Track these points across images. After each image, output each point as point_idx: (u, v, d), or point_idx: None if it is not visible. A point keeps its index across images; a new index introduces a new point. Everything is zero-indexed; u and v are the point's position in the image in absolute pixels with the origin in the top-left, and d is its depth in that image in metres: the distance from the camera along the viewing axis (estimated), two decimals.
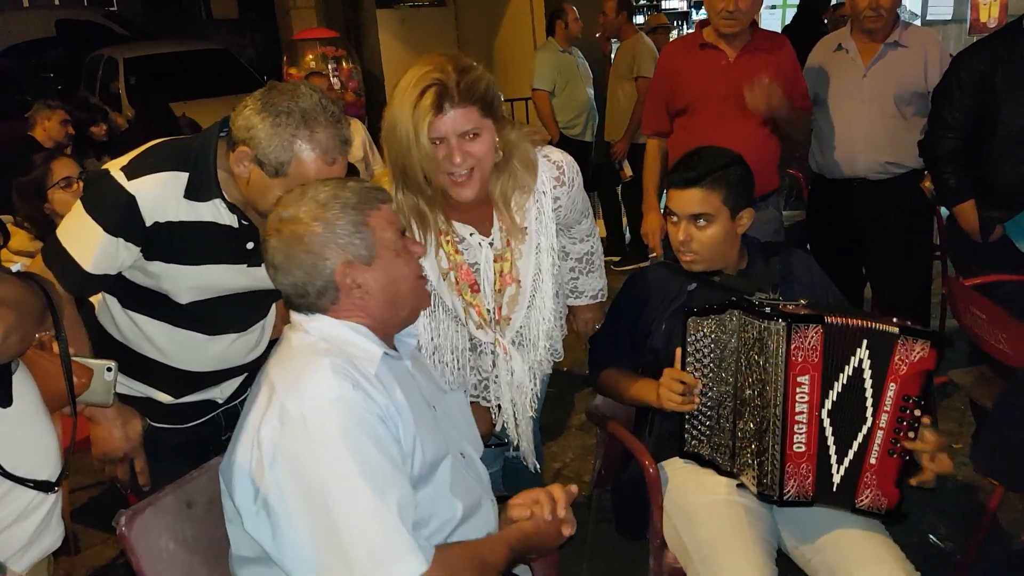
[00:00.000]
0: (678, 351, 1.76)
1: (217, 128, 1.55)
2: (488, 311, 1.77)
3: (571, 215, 1.87)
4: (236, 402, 1.82)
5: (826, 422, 1.63)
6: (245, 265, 1.63)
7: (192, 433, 1.78)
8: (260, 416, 1.23)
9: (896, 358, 1.59)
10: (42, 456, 1.16)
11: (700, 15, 10.05)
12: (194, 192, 1.51)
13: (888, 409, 1.60)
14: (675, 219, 1.89)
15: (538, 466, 2.16)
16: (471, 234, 1.73)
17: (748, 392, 1.69)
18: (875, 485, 1.63)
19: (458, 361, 1.81)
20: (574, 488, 1.43)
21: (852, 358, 1.62)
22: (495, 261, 1.75)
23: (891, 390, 1.60)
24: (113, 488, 2.09)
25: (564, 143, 5.07)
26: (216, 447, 1.74)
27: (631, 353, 1.98)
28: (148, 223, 1.49)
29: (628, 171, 5.31)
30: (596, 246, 2.06)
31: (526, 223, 1.74)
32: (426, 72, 1.52)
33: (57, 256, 1.50)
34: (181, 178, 1.50)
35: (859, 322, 1.62)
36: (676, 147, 2.85)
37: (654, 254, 3.06)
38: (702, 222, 1.84)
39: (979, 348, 2.51)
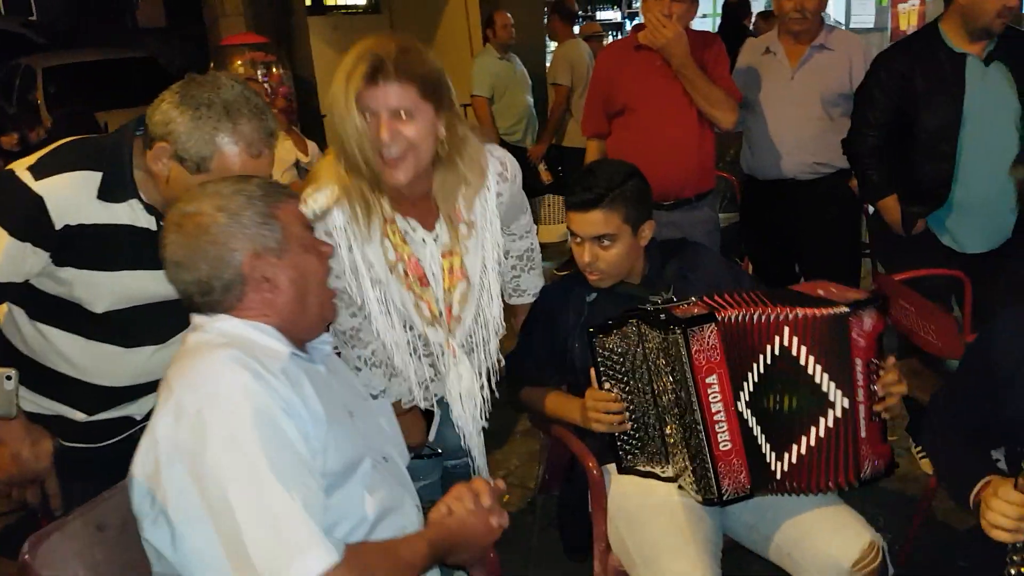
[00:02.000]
0: (592, 371, 1.75)
1: (133, 125, 1.47)
2: (438, 308, 1.71)
3: (511, 211, 1.87)
4: None
5: (746, 414, 1.63)
6: (163, 270, 1.55)
7: (109, 452, 1.66)
8: (159, 416, 1.15)
9: (854, 334, 1.58)
10: None
11: (636, 22, 10.23)
12: (108, 192, 1.43)
13: (862, 384, 1.60)
14: (578, 240, 1.87)
15: (484, 474, 2.12)
16: (414, 230, 1.67)
17: (665, 399, 1.68)
18: (870, 452, 1.62)
19: (405, 362, 1.74)
20: (501, 483, 1.37)
21: (768, 346, 1.61)
22: (444, 257, 1.69)
23: (859, 366, 1.59)
24: (29, 514, 1.97)
25: (505, 149, 5.06)
26: None
27: (550, 369, 1.97)
28: (58, 226, 1.40)
29: (547, 174, 5.37)
30: (535, 243, 2.07)
31: (473, 217, 1.70)
32: (367, 46, 1.47)
33: None
34: (94, 178, 1.42)
35: (771, 310, 1.60)
36: (615, 148, 2.86)
37: None
38: (606, 242, 1.83)
39: (908, 341, 2.57)
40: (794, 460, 1.63)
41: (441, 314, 1.71)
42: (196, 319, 1.26)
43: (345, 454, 1.25)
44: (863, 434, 1.61)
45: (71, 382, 1.59)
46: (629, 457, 1.78)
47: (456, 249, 1.70)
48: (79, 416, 1.63)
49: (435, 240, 1.68)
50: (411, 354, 1.73)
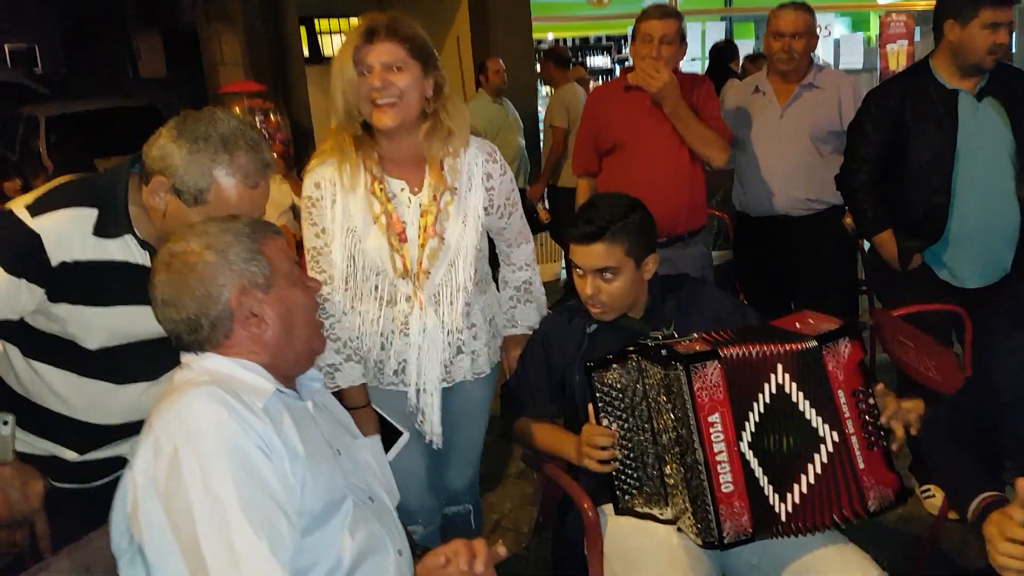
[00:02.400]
0: (590, 406, 1.72)
1: (128, 163, 1.48)
2: (412, 263, 1.81)
3: (502, 206, 1.92)
4: None
5: (748, 454, 1.58)
6: (153, 310, 1.54)
7: (100, 492, 1.61)
8: (137, 454, 1.14)
9: (829, 367, 1.57)
10: None
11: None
12: (103, 228, 1.44)
13: (849, 415, 1.57)
14: (581, 272, 1.85)
15: (476, 517, 2.14)
16: (402, 189, 1.81)
17: (666, 437, 1.64)
18: (875, 483, 1.58)
19: (373, 317, 1.84)
20: (502, 550, 1.31)
21: (766, 385, 1.58)
22: (421, 216, 1.81)
23: (842, 397, 1.57)
24: (16, 556, 1.92)
25: None
26: None
27: (547, 401, 1.94)
28: (54, 263, 1.40)
29: (545, 213, 5.44)
30: (535, 278, 2.10)
31: (456, 184, 1.83)
32: (364, 17, 1.72)
33: None
34: (90, 215, 1.43)
35: (768, 348, 1.58)
36: (606, 186, 2.88)
37: None
38: (608, 275, 1.81)
39: (908, 378, 2.54)
40: (797, 500, 1.59)
41: (412, 269, 1.81)
42: (184, 357, 1.26)
43: (326, 493, 1.22)
44: (861, 465, 1.57)
45: (64, 421, 1.57)
46: (626, 497, 1.73)
47: (432, 209, 1.81)
48: (71, 456, 1.60)
49: (418, 201, 1.81)
50: (375, 299, 1.82)
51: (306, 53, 7.83)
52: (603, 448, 1.68)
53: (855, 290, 3.33)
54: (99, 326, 1.49)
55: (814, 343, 1.56)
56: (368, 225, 1.78)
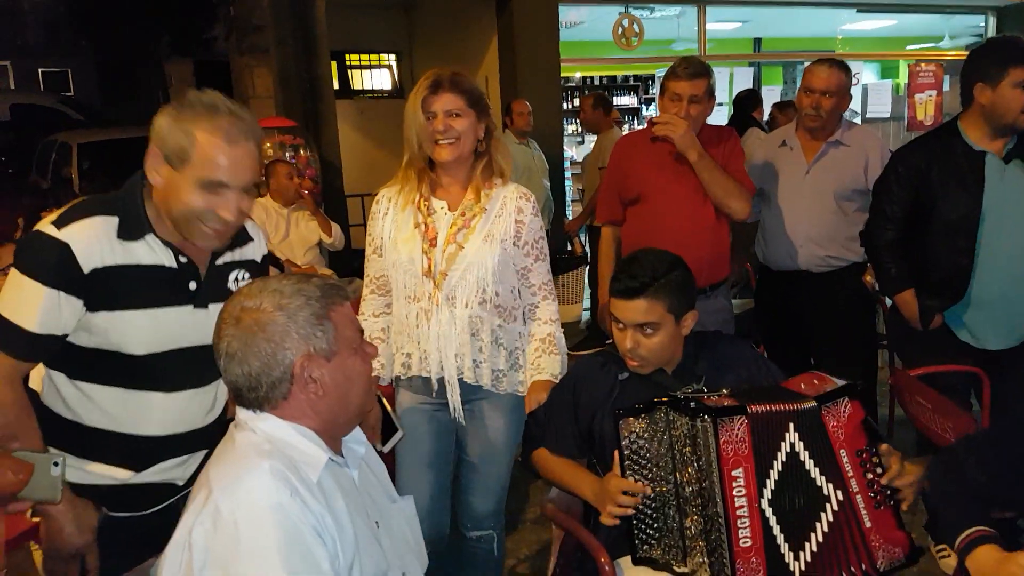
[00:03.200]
0: (616, 454, 1.75)
1: (141, 174, 1.55)
2: (436, 265, 2.08)
3: (529, 244, 2.15)
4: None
5: (768, 512, 1.61)
6: (191, 307, 1.60)
7: (148, 523, 1.67)
8: (195, 516, 1.17)
9: (830, 427, 1.61)
10: None
11: (649, 110, 10.48)
12: (126, 231, 1.51)
13: (852, 474, 1.60)
14: (621, 326, 1.89)
15: (498, 544, 2.25)
16: (442, 207, 2.12)
17: (688, 489, 1.67)
18: (883, 542, 1.60)
19: (403, 313, 2.13)
20: None
21: (783, 444, 1.62)
22: (449, 227, 2.10)
23: (844, 457, 1.60)
24: None
25: None
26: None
27: (569, 442, 1.98)
28: (86, 270, 1.47)
29: (579, 247, 5.52)
30: (558, 333, 2.21)
31: (487, 206, 2.10)
32: (432, 70, 2.06)
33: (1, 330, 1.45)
34: (112, 221, 1.50)
35: (780, 406, 1.63)
36: (629, 235, 2.93)
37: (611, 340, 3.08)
38: (648, 330, 1.85)
39: (926, 437, 2.54)
40: (808, 559, 1.61)
41: (434, 270, 2.08)
42: (241, 414, 1.29)
43: (370, 571, 1.26)
44: (868, 524, 1.60)
45: (115, 438, 1.61)
46: (645, 547, 1.75)
47: (458, 222, 2.09)
48: (125, 475, 1.63)
49: (452, 216, 2.10)
50: (404, 297, 2.12)
51: (336, 86, 8.00)
52: (625, 498, 1.71)
53: (874, 346, 3.33)
54: (139, 329, 1.55)
55: (813, 403, 1.61)
56: (409, 232, 2.10)
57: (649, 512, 1.73)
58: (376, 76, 9.18)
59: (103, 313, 1.50)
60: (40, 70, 17.56)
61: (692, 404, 1.63)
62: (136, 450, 1.63)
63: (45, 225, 1.48)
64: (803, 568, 1.61)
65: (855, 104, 8.90)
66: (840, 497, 1.60)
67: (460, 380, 2.12)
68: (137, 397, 1.59)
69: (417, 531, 1.53)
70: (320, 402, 1.27)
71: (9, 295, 1.48)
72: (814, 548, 1.61)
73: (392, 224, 2.13)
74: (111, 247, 1.49)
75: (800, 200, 3.06)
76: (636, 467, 1.73)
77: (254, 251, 1.78)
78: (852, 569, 1.59)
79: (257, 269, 1.77)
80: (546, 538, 3.03)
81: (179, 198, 1.48)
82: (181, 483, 1.72)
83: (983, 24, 8.68)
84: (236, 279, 1.71)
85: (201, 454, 1.72)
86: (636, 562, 1.76)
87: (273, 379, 1.24)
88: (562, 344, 2.21)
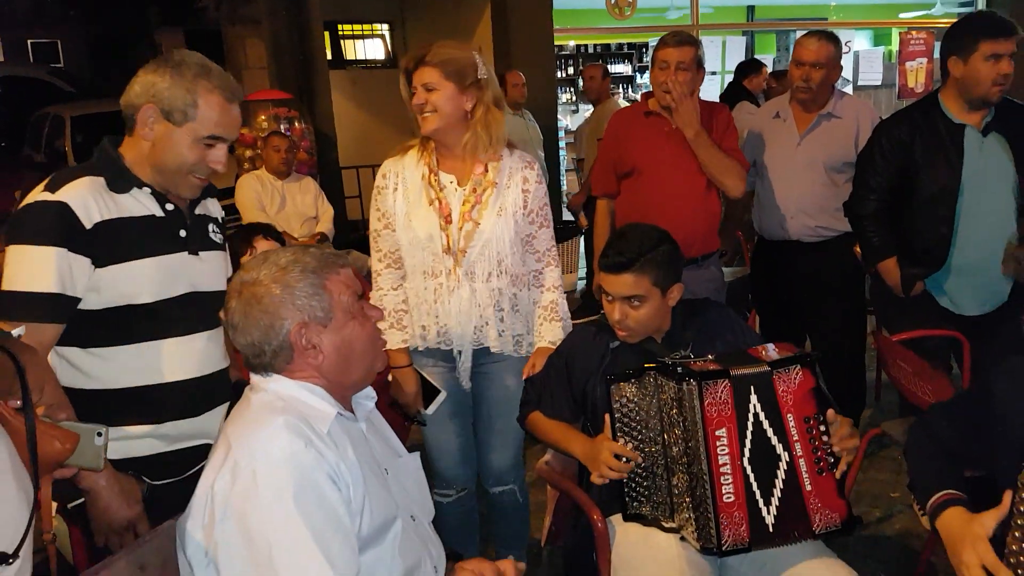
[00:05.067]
0: (607, 417, 1.84)
1: (108, 139, 1.65)
2: (454, 241, 2.15)
3: (535, 211, 2.22)
4: None
5: (748, 469, 1.70)
6: (186, 253, 1.69)
7: (188, 488, 1.73)
8: (215, 471, 1.26)
9: (779, 390, 1.70)
10: (2, 525, 1.14)
11: (644, 78, 10.46)
12: (114, 184, 1.60)
13: (797, 438, 1.70)
14: (610, 298, 1.98)
15: (521, 492, 2.45)
16: (451, 182, 2.18)
17: (675, 449, 1.76)
18: (821, 507, 1.70)
19: (420, 287, 2.20)
20: (522, 565, 1.46)
21: (751, 406, 1.72)
22: (463, 203, 2.16)
23: (791, 421, 1.70)
24: (59, 558, 2.03)
25: None
26: None
27: (562, 407, 2.07)
28: (88, 226, 1.54)
29: (584, 220, 5.56)
30: (560, 300, 2.30)
31: (496, 180, 2.17)
32: (416, 47, 2.14)
33: (15, 306, 1.51)
34: (99, 180, 1.60)
35: (747, 369, 1.71)
36: (624, 207, 2.99)
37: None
38: (635, 302, 1.93)
39: (907, 400, 2.64)
40: (775, 512, 1.71)
41: (453, 247, 2.14)
42: (253, 378, 1.38)
43: (380, 514, 1.34)
44: (808, 487, 1.70)
45: (142, 392, 1.67)
46: (635, 504, 1.85)
47: (471, 199, 2.15)
48: (163, 430, 1.70)
49: (463, 192, 2.16)
50: (422, 272, 2.18)
51: (328, 57, 7.96)
52: (616, 462, 1.80)
53: (863, 314, 3.40)
54: (145, 278, 1.63)
55: (766, 368, 1.70)
56: (424, 208, 2.15)
57: (638, 471, 1.82)
58: (369, 46, 9.14)
59: (111, 267, 1.58)
60: (29, 41, 17.32)
61: (679, 369, 1.72)
62: (164, 399, 1.70)
63: (37, 194, 1.54)
64: (773, 522, 1.71)
65: (847, 72, 8.89)
66: (787, 459, 1.70)
67: (484, 349, 2.22)
68: (153, 347, 1.67)
69: (423, 485, 1.61)
70: (322, 364, 1.35)
71: (17, 270, 1.53)
72: (777, 504, 1.71)
73: (403, 200, 2.18)
74: (104, 202, 1.57)
75: (791, 171, 3.11)
76: (627, 429, 1.82)
77: (216, 209, 1.88)
78: (797, 529, 1.69)
79: (220, 226, 1.87)
80: (541, 500, 3.11)
81: (175, 151, 1.59)
82: (212, 443, 1.79)
83: None
84: (212, 231, 1.82)
85: (224, 407, 1.80)
86: (627, 518, 1.85)
87: (274, 347, 1.33)
88: (564, 311, 2.29)
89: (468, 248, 2.15)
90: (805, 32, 3.11)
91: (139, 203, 1.63)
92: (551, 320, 2.26)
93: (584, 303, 5.54)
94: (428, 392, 2.24)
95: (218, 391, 1.81)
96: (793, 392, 1.71)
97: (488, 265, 2.16)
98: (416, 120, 2.14)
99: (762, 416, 1.71)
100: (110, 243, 1.54)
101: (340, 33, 8.92)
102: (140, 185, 1.63)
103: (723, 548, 1.69)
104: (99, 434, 1.35)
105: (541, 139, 5.78)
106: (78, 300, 1.57)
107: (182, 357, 1.71)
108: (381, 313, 1.50)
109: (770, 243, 3.26)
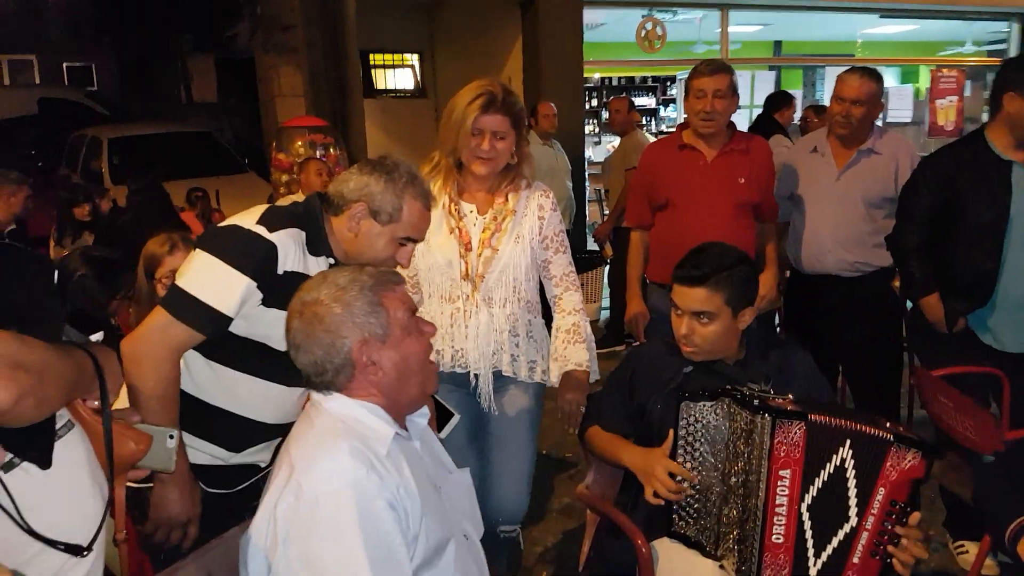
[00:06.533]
0: (671, 432, 1.83)
1: (316, 198, 1.76)
2: (473, 268, 2.21)
3: (549, 238, 2.27)
4: (272, 467, 1.86)
5: (805, 516, 1.70)
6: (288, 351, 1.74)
7: (232, 500, 1.82)
8: (278, 493, 1.28)
9: (888, 464, 1.67)
10: (78, 519, 1.17)
11: (668, 111, 10.55)
12: (312, 247, 1.73)
13: (875, 512, 1.67)
14: (679, 312, 1.97)
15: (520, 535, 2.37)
16: (471, 211, 2.24)
17: (734, 480, 1.76)
18: None
19: (437, 312, 2.24)
20: None
21: (834, 456, 1.70)
22: (483, 231, 2.23)
23: (880, 494, 1.67)
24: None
25: None
26: (251, 512, 1.76)
27: (625, 421, 2.06)
28: (280, 271, 1.64)
29: (609, 250, 5.58)
30: (583, 322, 2.30)
31: (515, 208, 2.23)
32: (486, 83, 2.15)
33: (190, 308, 1.59)
34: (302, 235, 1.72)
35: (847, 423, 1.70)
36: (658, 239, 3.03)
37: (636, 342, 3.17)
38: (704, 319, 1.92)
39: (946, 436, 2.62)
40: (821, 566, 1.70)
41: (471, 274, 2.20)
42: (314, 396, 1.41)
43: (435, 536, 1.37)
44: (855, 560, 1.68)
45: (228, 418, 1.76)
46: (681, 523, 1.84)
47: (491, 227, 2.21)
48: (223, 454, 1.79)
49: (483, 220, 2.23)
50: (440, 297, 2.23)
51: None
52: (672, 482, 1.79)
53: (899, 350, 3.38)
54: None
55: (890, 437, 1.68)
56: (444, 236, 2.19)
57: (693, 493, 1.82)
58: (399, 76, 9.30)
59: (272, 310, 1.66)
60: (64, 64, 17.76)
61: (755, 401, 1.72)
62: (243, 432, 1.78)
63: (251, 224, 1.65)
64: (818, 571, 1.71)
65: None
66: (853, 524, 1.69)
67: (497, 373, 2.23)
68: (261, 386, 1.75)
69: (473, 500, 1.63)
70: (381, 381, 1.39)
71: (203, 277, 1.61)
72: (828, 554, 1.70)
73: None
74: (298, 256, 1.70)
75: (829, 205, 3.11)
76: (689, 449, 1.81)
77: None
78: None
79: None
80: (571, 528, 3.13)
81: (374, 247, 1.74)
82: (263, 465, 1.87)
83: (1007, 30, 8.68)
84: None
85: (277, 440, 1.86)
86: (670, 535, 1.85)
87: (336, 365, 1.36)
88: (588, 333, 2.30)
89: (486, 274, 2.20)
90: (848, 68, 3.11)
91: (319, 268, 1.73)
92: (575, 342, 2.26)
93: (608, 332, 5.57)
94: (442, 416, 2.24)
95: (285, 431, 1.86)
96: (898, 471, 1.67)
97: (505, 291, 2.21)
98: (456, 152, 2.16)
99: (851, 474, 1.68)
100: (285, 292, 1.60)
101: (371, 63, 9.10)
102: (329, 255, 1.75)
103: None
104: (171, 436, 1.39)
105: (569, 169, 5.84)
106: (230, 320, 1.65)
107: (275, 403, 1.79)
108: (434, 328, 1.53)
109: (806, 276, 3.26)
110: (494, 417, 2.30)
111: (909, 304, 2.99)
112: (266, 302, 1.67)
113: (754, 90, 8.33)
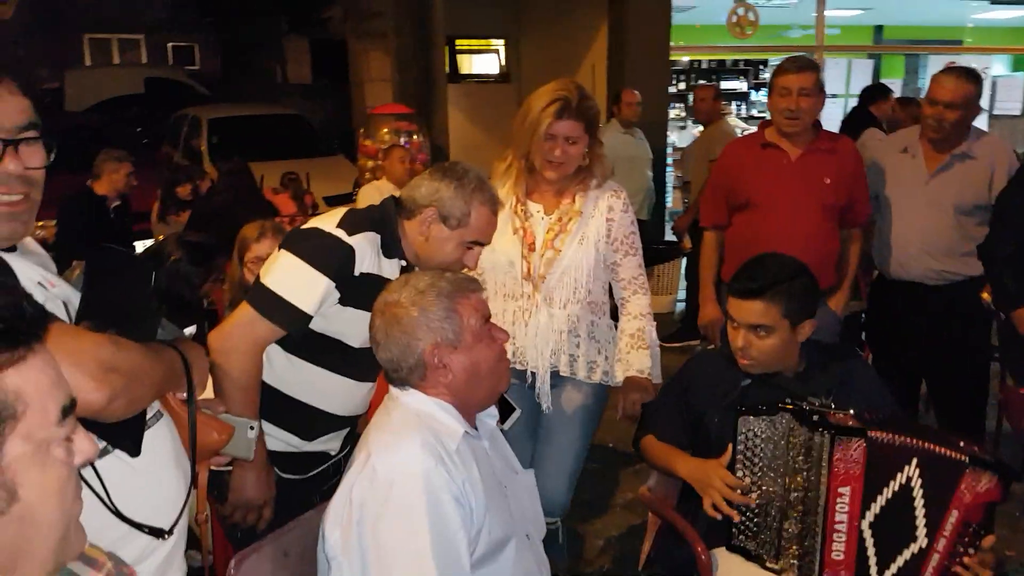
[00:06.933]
0: (730, 446, 1.82)
1: (391, 201, 1.85)
2: (535, 268, 2.23)
3: (619, 240, 2.27)
4: (341, 455, 1.98)
5: (866, 533, 1.67)
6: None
7: (303, 486, 1.92)
8: (355, 476, 1.38)
9: (962, 486, 1.63)
10: (162, 504, 1.27)
11: (759, 95, 10.22)
12: (387, 250, 1.81)
13: (947, 534, 1.64)
14: (735, 324, 1.94)
15: (562, 533, 2.39)
16: (538, 211, 2.26)
17: (794, 495, 1.74)
18: None
19: (499, 310, 2.25)
20: None
21: (899, 475, 1.67)
22: (547, 232, 2.24)
23: (953, 516, 1.63)
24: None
25: None
26: (321, 496, 1.85)
27: (679, 431, 2.06)
28: (356, 273, 1.74)
29: (688, 242, 5.50)
30: (649, 328, 2.30)
31: (582, 209, 2.23)
32: (561, 88, 2.15)
33: (275, 306, 1.69)
34: (377, 238, 1.80)
35: (913, 442, 1.66)
36: (735, 240, 2.96)
37: (711, 346, 3.13)
38: (761, 332, 1.89)
39: None
40: None
41: (533, 274, 2.23)
42: (392, 390, 1.51)
43: (497, 532, 1.43)
44: None
45: (302, 408, 1.86)
46: (741, 537, 1.83)
47: (555, 228, 2.22)
48: (296, 442, 1.89)
49: (548, 220, 2.24)
50: (502, 295, 2.26)
51: (445, 71, 8.18)
52: (732, 493, 1.79)
53: (987, 361, 3.23)
54: (366, 328, 1.75)
55: (965, 459, 1.63)
56: (508, 236, 2.20)
57: (752, 508, 1.81)
58: (484, 61, 9.34)
59: (349, 309, 1.76)
60: (169, 44, 18.50)
61: (815, 417, 1.70)
62: (316, 422, 1.89)
63: (331, 227, 1.75)
64: None
65: (983, 100, 8.44)
66: (923, 545, 1.65)
67: (555, 372, 2.27)
68: (334, 379, 1.85)
69: (536, 501, 1.68)
70: (452, 384, 1.46)
71: (288, 277, 1.71)
72: (893, 573, 1.67)
73: None
74: (374, 258, 1.78)
75: (917, 211, 2.97)
76: (748, 463, 1.80)
77: None
78: None
79: None
80: (634, 523, 3.14)
81: (443, 250, 1.81)
82: (333, 453, 1.97)
83: None
84: None
85: (346, 430, 1.97)
86: (730, 548, 1.85)
87: (410, 364, 1.45)
88: (653, 339, 2.30)
89: (548, 275, 2.21)
90: (943, 68, 2.97)
91: (392, 269, 1.81)
92: (638, 348, 2.26)
93: (683, 326, 5.49)
94: (504, 409, 2.26)
95: (349, 424, 1.98)
96: (973, 494, 1.63)
97: (566, 292, 2.22)
98: (529, 155, 2.18)
99: (918, 493, 1.65)
100: (361, 292, 1.71)
101: (456, 48, 9.17)
102: (401, 257, 1.84)
103: None
104: (251, 427, 1.49)
105: (650, 158, 5.77)
106: (312, 319, 1.75)
107: (346, 396, 1.89)
108: (507, 335, 1.58)
109: (890, 282, 3.12)
110: (548, 414, 2.34)
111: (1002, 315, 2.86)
112: (343, 301, 1.75)
113: (850, 79, 7.98)
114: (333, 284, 1.71)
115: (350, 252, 1.72)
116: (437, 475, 1.34)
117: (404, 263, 1.85)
